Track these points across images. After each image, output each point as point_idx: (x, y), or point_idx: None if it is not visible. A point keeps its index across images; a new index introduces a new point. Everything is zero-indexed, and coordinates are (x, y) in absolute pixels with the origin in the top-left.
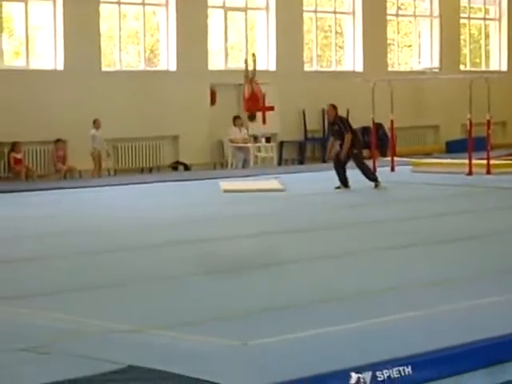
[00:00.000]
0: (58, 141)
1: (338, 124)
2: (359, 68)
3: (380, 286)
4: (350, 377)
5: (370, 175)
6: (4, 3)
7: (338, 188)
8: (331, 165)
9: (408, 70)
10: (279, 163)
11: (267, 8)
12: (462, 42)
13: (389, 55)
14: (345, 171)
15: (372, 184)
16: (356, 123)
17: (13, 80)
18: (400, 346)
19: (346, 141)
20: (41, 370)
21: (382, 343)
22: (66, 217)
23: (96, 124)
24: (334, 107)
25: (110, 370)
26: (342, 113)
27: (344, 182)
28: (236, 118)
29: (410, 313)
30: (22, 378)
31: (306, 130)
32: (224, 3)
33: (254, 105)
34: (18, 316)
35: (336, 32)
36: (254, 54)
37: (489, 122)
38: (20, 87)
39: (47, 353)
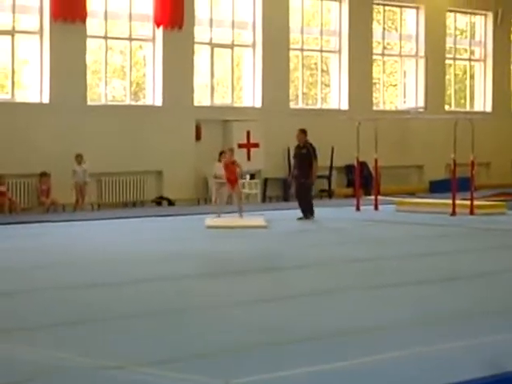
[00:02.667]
0: (42, 174)
1: (307, 148)
2: (344, 106)
3: (359, 325)
4: None
5: (310, 208)
6: None
7: (300, 219)
8: (316, 202)
9: (393, 109)
10: (263, 200)
11: (254, 45)
12: (446, 82)
13: (374, 94)
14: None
15: (301, 215)
16: (340, 161)
17: None
18: None
19: (315, 167)
20: None
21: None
22: (48, 250)
23: (78, 159)
24: (302, 131)
25: None
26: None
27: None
28: (221, 154)
29: (392, 353)
30: None
31: (290, 168)
32: (211, 40)
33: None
34: None
35: (322, 70)
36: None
37: (473, 162)
38: (5, 120)
39: None
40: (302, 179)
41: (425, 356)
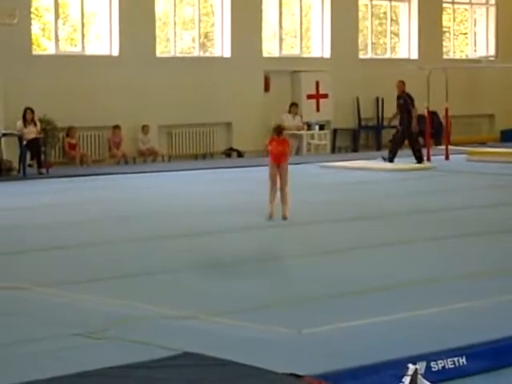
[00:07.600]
0: (115, 127)
1: (404, 98)
2: (414, 56)
3: (432, 276)
4: (406, 368)
5: (418, 156)
6: None
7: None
8: (385, 153)
9: (463, 58)
10: (332, 151)
11: None
12: None
13: (444, 43)
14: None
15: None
16: None
17: (68, 66)
18: (455, 336)
19: (414, 115)
20: (96, 355)
21: (436, 333)
22: (119, 202)
23: (144, 130)
24: (402, 82)
25: (165, 356)
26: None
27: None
28: (292, 106)
29: (463, 304)
30: (78, 363)
31: (359, 118)
32: None
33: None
34: (74, 301)
35: (391, 19)
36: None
37: None
38: (75, 73)
39: (102, 338)
40: (400, 126)
41: (488, 306)
